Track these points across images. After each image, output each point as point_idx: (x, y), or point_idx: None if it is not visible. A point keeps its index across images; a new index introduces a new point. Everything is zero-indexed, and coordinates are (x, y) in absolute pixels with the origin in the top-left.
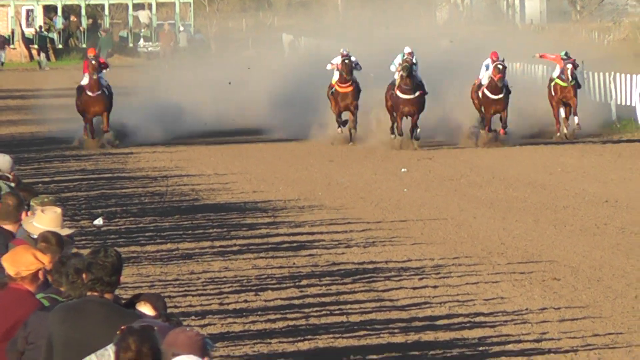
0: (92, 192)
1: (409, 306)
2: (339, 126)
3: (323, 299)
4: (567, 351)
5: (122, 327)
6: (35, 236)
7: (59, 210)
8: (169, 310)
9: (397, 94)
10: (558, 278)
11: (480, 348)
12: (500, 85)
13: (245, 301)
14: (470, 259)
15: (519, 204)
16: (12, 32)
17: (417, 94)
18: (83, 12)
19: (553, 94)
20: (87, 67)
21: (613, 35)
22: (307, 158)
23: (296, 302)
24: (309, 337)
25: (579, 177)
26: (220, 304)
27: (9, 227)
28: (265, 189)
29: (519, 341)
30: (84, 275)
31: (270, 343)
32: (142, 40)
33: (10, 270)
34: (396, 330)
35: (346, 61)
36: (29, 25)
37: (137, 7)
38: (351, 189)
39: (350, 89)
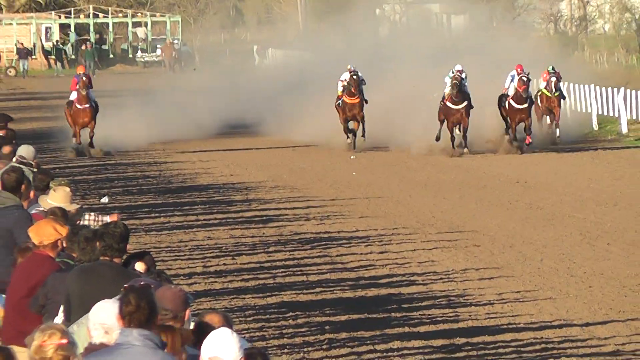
0: (99, 175)
1: (357, 268)
2: (347, 135)
3: (287, 262)
4: (485, 304)
5: (125, 286)
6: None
7: (68, 189)
8: (160, 269)
9: (447, 104)
10: (478, 245)
11: (415, 302)
12: (524, 96)
13: (224, 264)
14: (407, 229)
15: (447, 184)
16: (34, 46)
17: (464, 104)
18: (91, 29)
19: (539, 103)
20: (75, 84)
21: None
22: (274, 148)
23: (265, 264)
24: (276, 293)
25: (496, 162)
26: (204, 266)
27: None
28: (240, 172)
29: (447, 296)
30: (97, 243)
31: (244, 298)
32: (139, 52)
33: (34, 239)
34: (346, 288)
35: (354, 77)
36: (47, 39)
37: (136, 24)
38: (310, 172)
39: (357, 100)
